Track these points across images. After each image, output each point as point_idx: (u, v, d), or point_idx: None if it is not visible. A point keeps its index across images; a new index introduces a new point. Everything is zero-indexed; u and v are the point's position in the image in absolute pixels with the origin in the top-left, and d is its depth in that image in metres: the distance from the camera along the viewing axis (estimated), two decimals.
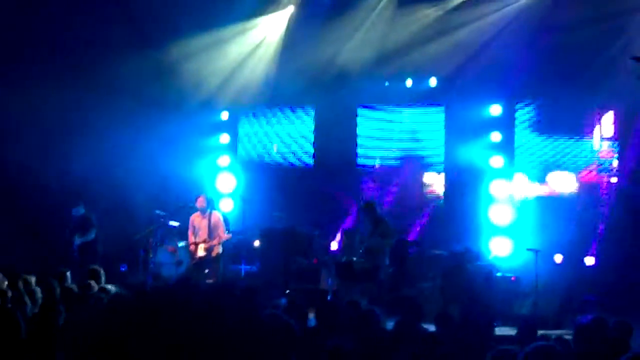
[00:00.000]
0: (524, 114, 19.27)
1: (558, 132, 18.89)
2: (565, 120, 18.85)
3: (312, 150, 21.25)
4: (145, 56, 19.09)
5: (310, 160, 21.30)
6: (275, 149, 21.40)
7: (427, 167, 20.31)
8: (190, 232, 17.92)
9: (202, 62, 19.96)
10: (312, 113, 21.24)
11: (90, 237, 18.31)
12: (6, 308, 9.92)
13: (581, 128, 18.87)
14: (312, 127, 21.23)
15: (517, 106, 19.26)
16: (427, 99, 20.27)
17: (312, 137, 21.23)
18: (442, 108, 20.10)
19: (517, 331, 11.68)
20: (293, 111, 21.48)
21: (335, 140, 20.47)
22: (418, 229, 19.66)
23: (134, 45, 18.92)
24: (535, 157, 19.13)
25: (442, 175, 20.13)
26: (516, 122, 19.28)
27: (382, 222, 16.87)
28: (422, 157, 20.30)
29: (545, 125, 19.03)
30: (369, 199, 18.70)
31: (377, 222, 16.73)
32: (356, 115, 20.85)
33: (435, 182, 20.26)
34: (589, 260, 17.99)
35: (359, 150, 20.83)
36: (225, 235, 17.78)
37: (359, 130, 20.83)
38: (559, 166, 18.91)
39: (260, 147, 21.80)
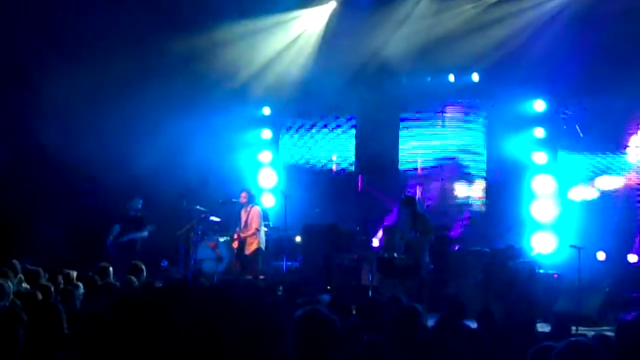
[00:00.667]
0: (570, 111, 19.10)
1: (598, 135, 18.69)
2: (606, 124, 18.61)
3: (353, 158, 21.27)
4: (184, 41, 19.10)
5: (351, 167, 21.34)
6: (334, 159, 21.29)
7: (467, 170, 20.23)
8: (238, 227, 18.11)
9: (241, 50, 19.89)
10: (354, 120, 21.26)
11: (141, 236, 18.34)
12: (49, 302, 9.96)
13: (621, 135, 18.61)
14: (354, 133, 21.25)
15: (560, 102, 19.09)
16: (469, 94, 20.16)
17: (353, 144, 21.25)
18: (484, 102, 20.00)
19: (551, 328, 11.62)
20: (335, 118, 21.49)
21: (377, 145, 20.48)
22: (460, 226, 19.58)
23: (168, 31, 18.86)
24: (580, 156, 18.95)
25: (482, 182, 20.04)
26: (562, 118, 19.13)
27: (421, 217, 16.81)
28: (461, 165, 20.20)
29: (588, 126, 18.83)
30: (410, 194, 18.63)
31: (416, 218, 16.66)
32: (399, 119, 20.78)
33: (475, 189, 20.16)
34: (632, 258, 17.79)
35: (401, 155, 20.79)
36: (254, 228, 17.77)
37: (401, 134, 20.81)
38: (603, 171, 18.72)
39: (301, 155, 21.88)
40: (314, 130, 21.72)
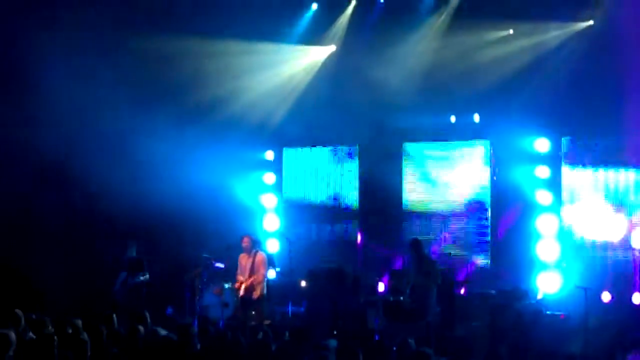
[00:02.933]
0: (570, 149, 19.13)
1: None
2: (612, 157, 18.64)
3: (356, 192, 21.28)
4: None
5: (355, 202, 21.33)
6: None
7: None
8: (238, 273, 17.92)
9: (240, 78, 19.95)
10: (357, 153, 21.30)
11: (145, 279, 18.25)
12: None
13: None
14: (357, 167, 21.28)
15: (564, 140, 19.12)
16: (471, 134, 20.21)
17: (357, 177, 21.27)
18: (487, 142, 20.02)
19: None
20: (337, 151, 21.52)
21: (381, 180, 20.53)
22: (468, 268, 19.53)
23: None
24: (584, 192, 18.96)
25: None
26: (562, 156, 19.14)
27: (427, 260, 16.82)
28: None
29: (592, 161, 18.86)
30: (416, 237, 18.60)
31: (422, 261, 16.68)
32: (401, 155, 20.83)
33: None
34: (637, 298, 17.74)
35: (404, 193, 20.80)
36: (261, 275, 17.67)
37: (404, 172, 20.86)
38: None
39: (305, 187, 21.89)
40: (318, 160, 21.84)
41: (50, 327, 12.53)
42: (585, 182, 18.88)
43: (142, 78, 18.63)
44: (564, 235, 18.84)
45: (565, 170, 19.06)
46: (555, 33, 18.65)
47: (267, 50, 20.13)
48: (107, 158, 18.34)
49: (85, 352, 10.96)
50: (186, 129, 19.26)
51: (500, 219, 19.53)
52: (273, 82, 20.43)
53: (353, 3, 20.53)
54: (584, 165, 18.90)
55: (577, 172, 18.98)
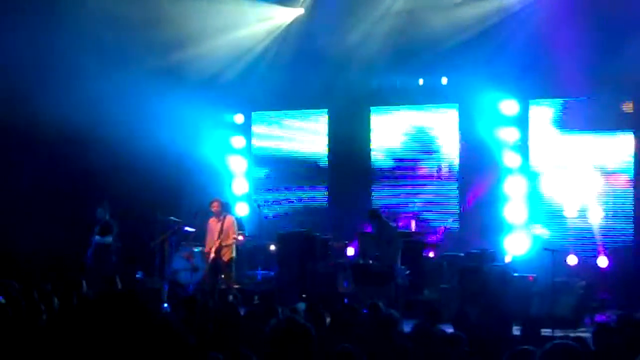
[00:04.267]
0: (541, 112, 19.19)
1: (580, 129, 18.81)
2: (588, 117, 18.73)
3: (326, 152, 21.31)
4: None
5: (325, 162, 21.36)
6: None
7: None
8: (208, 237, 17.71)
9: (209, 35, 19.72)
10: (326, 115, 21.31)
11: (107, 241, 18.07)
12: (18, 318, 9.90)
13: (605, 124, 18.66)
14: (327, 128, 21.30)
15: (532, 103, 19.17)
16: (439, 97, 20.24)
17: (326, 138, 21.30)
18: (455, 105, 20.05)
19: (521, 331, 11.73)
20: (307, 113, 21.55)
21: (349, 140, 20.59)
22: (437, 231, 19.59)
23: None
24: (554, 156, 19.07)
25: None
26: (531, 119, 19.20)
27: (387, 226, 16.92)
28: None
29: (567, 123, 18.93)
30: (374, 207, 18.64)
31: (383, 228, 16.78)
32: (369, 113, 20.87)
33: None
34: (602, 262, 17.93)
35: (372, 152, 20.85)
36: (232, 238, 17.57)
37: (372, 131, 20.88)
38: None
39: (275, 147, 21.90)
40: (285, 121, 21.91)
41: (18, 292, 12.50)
42: (558, 146, 18.95)
43: (108, 40, 18.46)
44: (534, 197, 18.93)
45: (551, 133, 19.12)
46: None
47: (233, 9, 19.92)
48: (74, 121, 18.19)
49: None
50: (152, 90, 19.10)
51: (469, 188, 19.55)
52: (240, 43, 20.24)
53: None
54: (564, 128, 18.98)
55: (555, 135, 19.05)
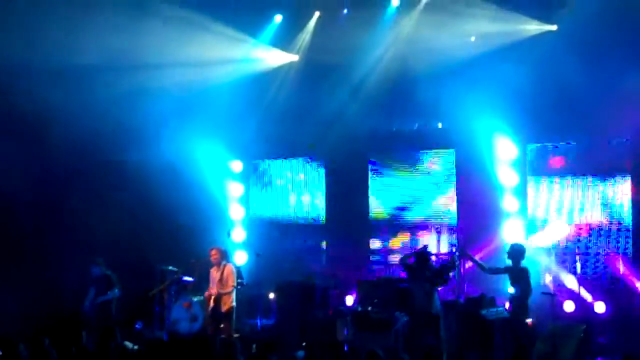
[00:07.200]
0: (536, 155, 19.26)
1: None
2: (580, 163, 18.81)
3: (324, 203, 21.37)
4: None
5: (322, 213, 21.44)
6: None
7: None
8: (210, 286, 17.48)
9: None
10: (323, 166, 21.40)
11: (114, 295, 17.97)
12: None
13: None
14: (323, 178, 21.36)
15: (529, 147, 19.24)
16: (436, 142, 20.31)
17: (323, 189, 21.36)
18: (452, 151, 20.13)
19: None
20: (303, 163, 21.63)
21: (347, 192, 20.64)
22: None
23: None
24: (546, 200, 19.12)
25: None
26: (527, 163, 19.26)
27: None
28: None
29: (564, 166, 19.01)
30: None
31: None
32: (367, 168, 20.98)
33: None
34: (599, 307, 17.95)
35: (371, 203, 20.93)
36: (231, 285, 17.32)
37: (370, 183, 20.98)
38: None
39: (272, 199, 21.95)
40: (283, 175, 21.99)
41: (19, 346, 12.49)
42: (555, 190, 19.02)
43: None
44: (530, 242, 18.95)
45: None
46: (520, 35, 18.72)
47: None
48: (68, 169, 18.32)
49: None
50: (152, 136, 19.20)
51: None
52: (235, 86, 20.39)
53: (317, 14, 20.54)
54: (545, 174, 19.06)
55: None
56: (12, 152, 17.90)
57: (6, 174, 17.98)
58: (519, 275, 15.80)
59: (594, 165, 18.60)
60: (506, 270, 16.06)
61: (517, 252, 16.05)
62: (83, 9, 17.52)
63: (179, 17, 18.86)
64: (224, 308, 17.32)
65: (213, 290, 17.32)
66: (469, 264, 17.68)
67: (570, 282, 18.32)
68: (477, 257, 16.85)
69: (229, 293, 17.32)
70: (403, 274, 16.76)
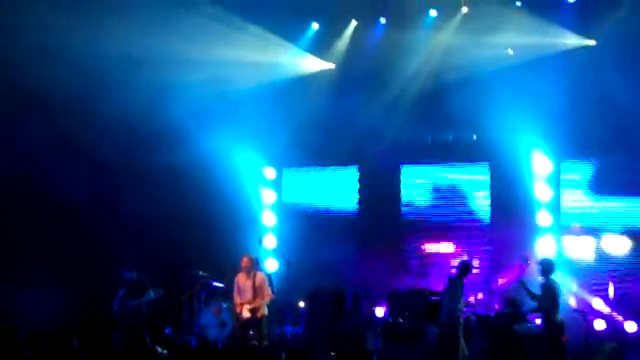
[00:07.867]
0: (572, 173, 19.12)
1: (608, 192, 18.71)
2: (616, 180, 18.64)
3: (356, 206, 21.29)
4: None
5: (355, 222, 21.36)
6: None
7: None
8: (235, 293, 17.27)
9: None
10: (356, 171, 21.33)
11: (149, 298, 17.92)
12: None
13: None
14: (357, 184, 21.29)
15: (564, 165, 19.10)
16: (469, 154, 20.22)
17: (356, 197, 21.29)
18: (486, 164, 20.02)
19: None
20: (336, 171, 21.59)
21: (380, 200, 20.57)
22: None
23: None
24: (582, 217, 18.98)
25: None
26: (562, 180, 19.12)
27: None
28: None
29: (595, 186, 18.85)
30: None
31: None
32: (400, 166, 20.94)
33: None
34: (631, 327, 17.78)
35: (404, 209, 20.82)
36: (269, 296, 17.40)
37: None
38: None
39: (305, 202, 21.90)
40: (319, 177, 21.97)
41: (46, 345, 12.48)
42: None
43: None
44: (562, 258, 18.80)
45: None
46: (557, 48, 18.62)
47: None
48: (105, 175, 18.36)
49: None
50: (185, 139, 19.22)
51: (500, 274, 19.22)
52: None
53: (354, 23, 20.51)
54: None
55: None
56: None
57: (42, 175, 18.10)
58: (550, 290, 15.70)
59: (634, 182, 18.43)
60: (542, 288, 15.96)
61: (547, 267, 15.97)
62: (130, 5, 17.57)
63: (218, 17, 18.85)
64: (258, 316, 17.16)
65: (241, 299, 17.13)
66: (502, 280, 17.57)
67: (601, 301, 18.16)
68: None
69: (264, 303, 17.15)
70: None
